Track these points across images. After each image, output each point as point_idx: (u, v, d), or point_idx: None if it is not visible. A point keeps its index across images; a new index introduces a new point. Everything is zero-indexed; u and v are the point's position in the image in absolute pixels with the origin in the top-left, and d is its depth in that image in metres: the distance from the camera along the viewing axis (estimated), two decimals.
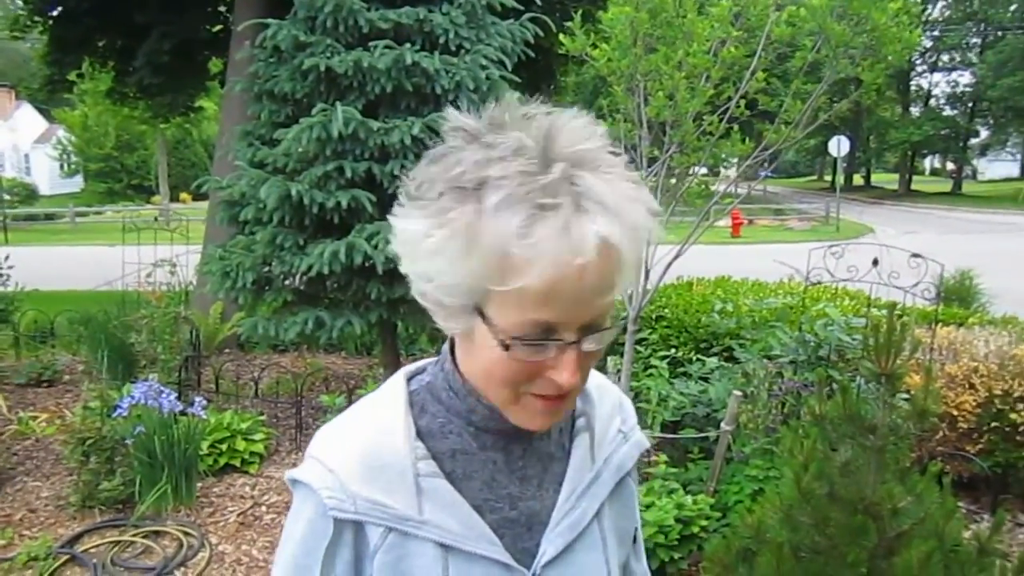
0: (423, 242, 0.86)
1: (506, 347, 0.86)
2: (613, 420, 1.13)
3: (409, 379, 1.06)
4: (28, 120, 46.89)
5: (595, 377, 1.15)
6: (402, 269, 0.93)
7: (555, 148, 0.83)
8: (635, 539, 1.20)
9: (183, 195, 37.86)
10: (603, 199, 0.82)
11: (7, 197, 30.49)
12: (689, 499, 3.62)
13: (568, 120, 0.87)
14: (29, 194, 35.94)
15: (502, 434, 1.00)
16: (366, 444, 0.97)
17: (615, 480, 1.10)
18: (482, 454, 1.00)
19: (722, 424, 3.97)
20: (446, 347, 1.02)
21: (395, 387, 1.04)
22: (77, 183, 43.75)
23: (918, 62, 45.97)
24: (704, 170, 4.93)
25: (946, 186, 49.77)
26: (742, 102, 3.92)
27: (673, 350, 5.42)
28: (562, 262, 0.80)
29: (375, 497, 0.94)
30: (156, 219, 8.33)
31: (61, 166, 43.55)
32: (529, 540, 1.01)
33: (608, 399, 1.15)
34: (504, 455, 1.01)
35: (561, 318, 0.85)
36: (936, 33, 43.62)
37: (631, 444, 1.14)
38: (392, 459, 0.96)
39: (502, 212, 0.81)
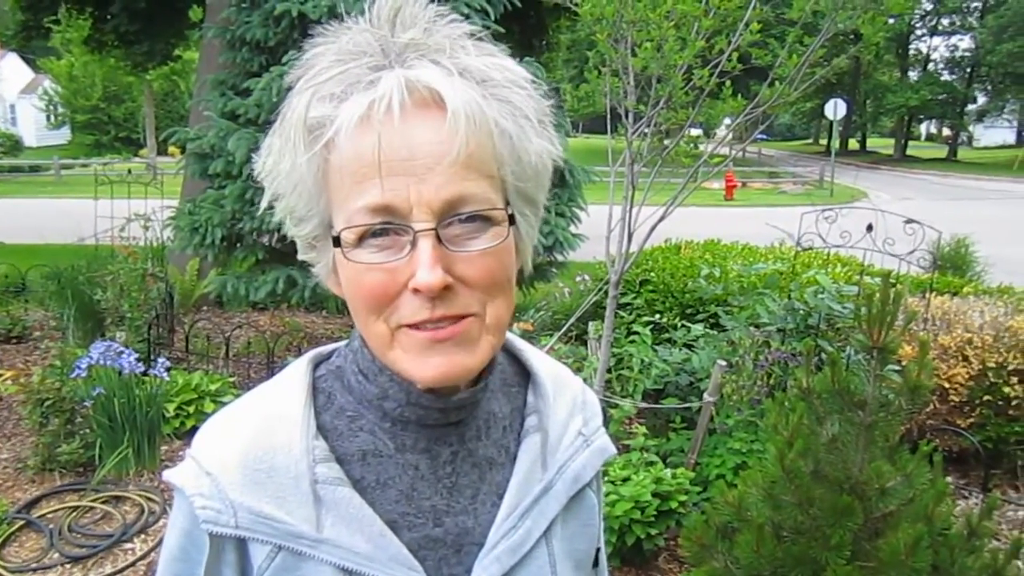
0: (268, 163, 0.77)
1: (352, 247, 0.72)
2: (572, 420, 0.93)
3: (317, 364, 0.87)
4: (14, 70, 45.96)
5: (552, 367, 0.95)
6: (276, 218, 0.80)
7: (396, 38, 0.73)
8: (596, 562, 1.00)
9: (171, 148, 37.26)
10: (436, 58, 0.72)
11: None
12: (668, 473, 3.47)
13: (419, 9, 0.75)
14: (13, 145, 35.34)
15: (425, 431, 0.81)
16: (253, 442, 0.78)
17: (571, 493, 0.90)
18: (400, 457, 0.81)
19: (705, 394, 3.82)
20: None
21: (296, 372, 0.85)
22: (64, 135, 43.09)
23: (918, 25, 45.42)
24: (697, 131, 4.72)
25: (941, 152, 49.42)
26: (734, 55, 3.69)
27: (658, 316, 5.25)
28: (366, 109, 0.69)
29: (261, 508, 0.76)
30: (130, 172, 8.05)
31: (48, 117, 42.85)
32: (457, 565, 0.82)
33: (567, 395, 0.94)
34: (428, 459, 0.82)
35: (398, 196, 0.70)
36: None
37: (593, 450, 0.94)
38: (285, 461, 0.77)
39: (311, 85, 0.73)
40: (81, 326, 6.17)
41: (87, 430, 4.40)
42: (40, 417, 4.32)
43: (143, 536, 3.85)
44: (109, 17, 10.37)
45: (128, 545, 3.78)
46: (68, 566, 3.61)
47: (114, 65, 16.81)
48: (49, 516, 3.98)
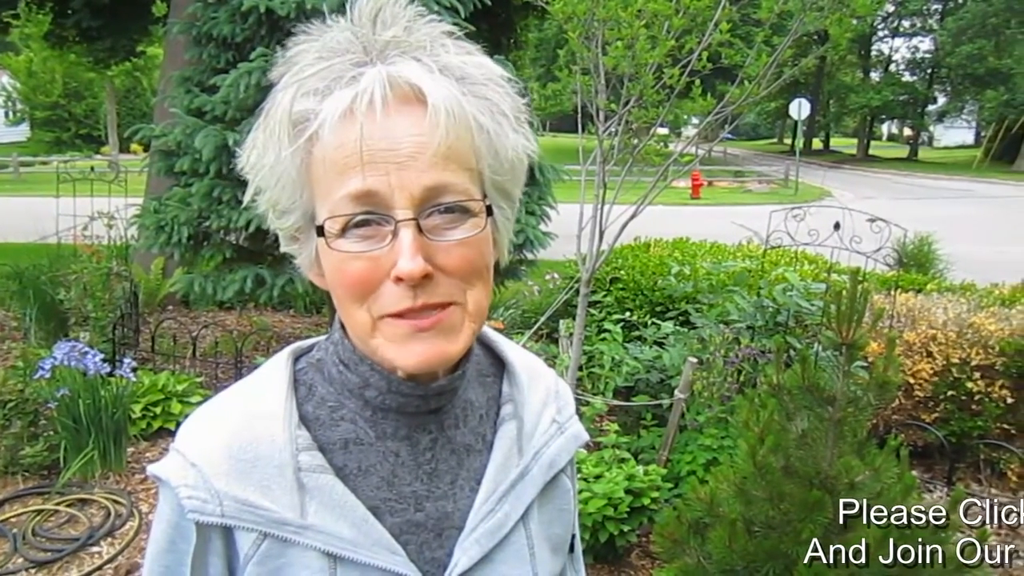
0: (252, 157, 0.79)
1: (336, 237, 0.74)
2: (546, 408, 0.96)
3: (297, 358, 0.89)
4: None
5: (526, 358, 0.98)
6: (260, 210, 0.83)
7: (377, 36, 0.76)
8: (572, 548, 1.02)
9: (134, 146, 36.63)
10: (417, 55, 0.75)
11: None
12: (640, 470, 3.48)
13: (399, 9, 0.77)
14: None
15: (405, 418, 0.83)
16: (237, 433, 0.80)
17: (546, 478, 0.92)
18: (381, 444, 0.83)
19: (676, 391, 3.84)
20: (338, 316, 0.85)
21: (277, 365, 0.87)
22: (23, 132, 42.19)
23: (880, 27, 46.07)
24: (665, 130, 4.75)
25: (903, 152, 50.23)
26: (704, 54, 3.72)
27: (628, 313, 5.29)
28: (349, 103, 0.72)
29: (246, 497, 0.77)
30: (92, 169, 7.92)
31: (6, 114, 41.97)
32: (439, 548, 0.84)
33: (540, 384, 0.97)
34: (408, 446, 0.84)
35: (379, 184, 0.72)
36: None
37: (567, 437, 0.97)
38: (268, 450, 0.79)
39: (295, 80, 0.75)
40: (43, 326, 6.06)
41: (51, 432, 4.31)
42: (2, 419, 4.23)
43: (110, 539, 3.79)
44: (70, 12, 10.19)
45: (95, 548, 3.72)
46: (33, 571, 3.54)
47: (75, 61, 16.55)
48: (12, 520, 3.90)
